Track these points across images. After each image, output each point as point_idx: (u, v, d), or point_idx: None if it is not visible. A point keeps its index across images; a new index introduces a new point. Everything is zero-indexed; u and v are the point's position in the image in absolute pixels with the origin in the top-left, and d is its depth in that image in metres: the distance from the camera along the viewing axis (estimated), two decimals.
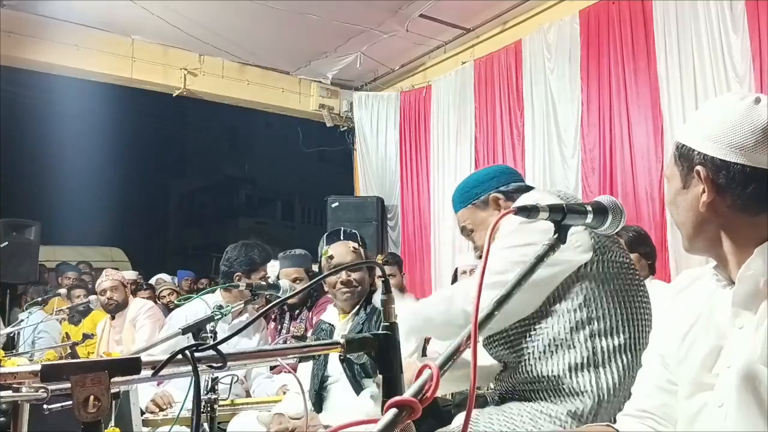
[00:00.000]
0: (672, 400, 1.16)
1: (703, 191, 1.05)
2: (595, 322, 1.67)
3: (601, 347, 1.65)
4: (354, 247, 2.53)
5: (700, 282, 1.18)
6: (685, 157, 1.09)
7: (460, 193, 2.04)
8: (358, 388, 2.33)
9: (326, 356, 2.44)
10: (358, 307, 2.46)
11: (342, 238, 2.55)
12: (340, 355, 2.35)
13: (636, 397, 1.25)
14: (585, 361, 1.65)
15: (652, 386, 1.21)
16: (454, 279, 4.64)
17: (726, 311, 1.07)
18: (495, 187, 1.96)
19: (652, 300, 3.02)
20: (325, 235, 2.59)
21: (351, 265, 2.43)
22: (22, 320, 4.68)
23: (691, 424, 1.09)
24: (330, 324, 2.55)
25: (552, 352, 1.69)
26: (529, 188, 1.98)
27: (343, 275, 2.43)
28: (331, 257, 2.48)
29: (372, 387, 2.27)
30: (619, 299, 1.71)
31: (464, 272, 4.51)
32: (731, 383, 1.01)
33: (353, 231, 2.62)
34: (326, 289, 2.59)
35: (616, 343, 1.66)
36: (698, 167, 1.05)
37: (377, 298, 2.46)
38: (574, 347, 1.66)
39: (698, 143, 1.06)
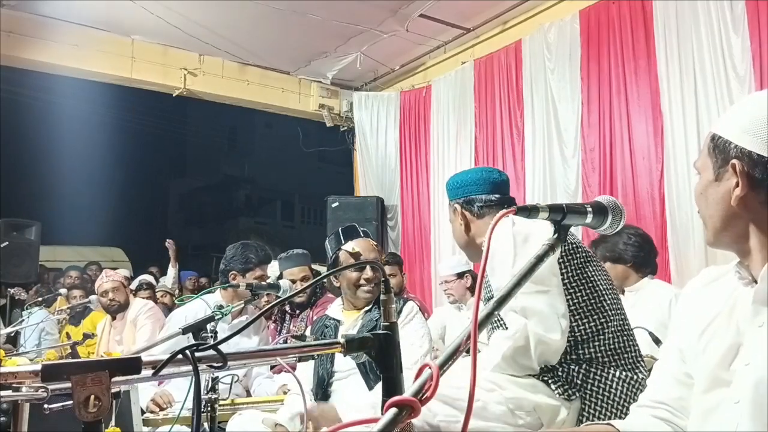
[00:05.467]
0: (688, 393, 1.16)
1: (737, 185, 1.03)
2: None
3: None
4: (375, 245, 2.53)
5: (723, 279, 1.17)
6: (721, 149, 1.07)
7: (447, 186, 2.17)
8: (370, 382, 2.29)
9: None
10: (371, 304, 2.44)
11: (361, 235, 2.52)
12: None
13: (652, 388, 1.25)
14: None
15: (669, 378, 1.21)
16: None
17: (747, 309, 1.06)
18: (463, 195, 2.09)
19: (654, 299, 3.03)
20: (340, 230, 2.55)
21: (362, 263, 2.38)
22: (23, 320, 4.68)
23: (706, 419, 1.09)
24: (335, 320, 2.50)
25: None
26: (504, 202, 2.05)
27: (369, 272, 2.41)
28: (358, 254, 2.44)
29: None
30: None
31: (444, 282, 4.47)
32: (749, 380, 1.01)
33: (365, 229, 2.59)
34: (340, 284, 2.53)
35: None
36: (734, 160, 1.04)
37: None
38: None
39: (737, 136, 1.04)
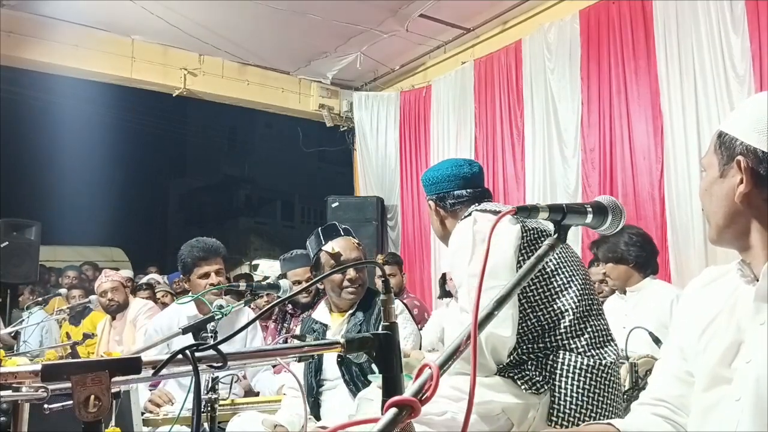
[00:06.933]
0: (689, 391, 1.16)
1: (741, 181, 1.04)
2: None
3: None
4: (356, 243, 2.48)
5: (724, 278, 1.17)
6: (727, 146, 1.07)
7: (422, 181, 2.18)
8: (355, 392, 2.26)
9: (320, 359, 2.37)
10: (355, 306, 2.41)
11: (342, 233, 2.47)
12: (338, 357, 2.30)
13: (653, 387, 1.26)
14: None
15: (669, 376, 1.22)
16: (443, 284, 4.56)
17: (748, 307, 1.06)
18: (435, 192, 2.10)
19: (656, 299, 3.03)
20: (319, 230, 2.49)
21: (359, 263, 2.36)
22: (23, 320, 4.68)
23: (706, 417, 1.09)
24: (322, 324, 2.47)
25: None
26: (476, 197, 2.05)
27: (351, 272, 2.36)
28: (338, 254, 2.39)
29: (369, 388, 2.23)
30: None
31: (451, 279, 4.44)
32: (750, 378, 1.01)
33: (346, 227, 2.54)
34: (325, 286, 2.49)
35: None
36: (739, 157, 1.04)
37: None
38: None
39: (743, 133, 1.05)
